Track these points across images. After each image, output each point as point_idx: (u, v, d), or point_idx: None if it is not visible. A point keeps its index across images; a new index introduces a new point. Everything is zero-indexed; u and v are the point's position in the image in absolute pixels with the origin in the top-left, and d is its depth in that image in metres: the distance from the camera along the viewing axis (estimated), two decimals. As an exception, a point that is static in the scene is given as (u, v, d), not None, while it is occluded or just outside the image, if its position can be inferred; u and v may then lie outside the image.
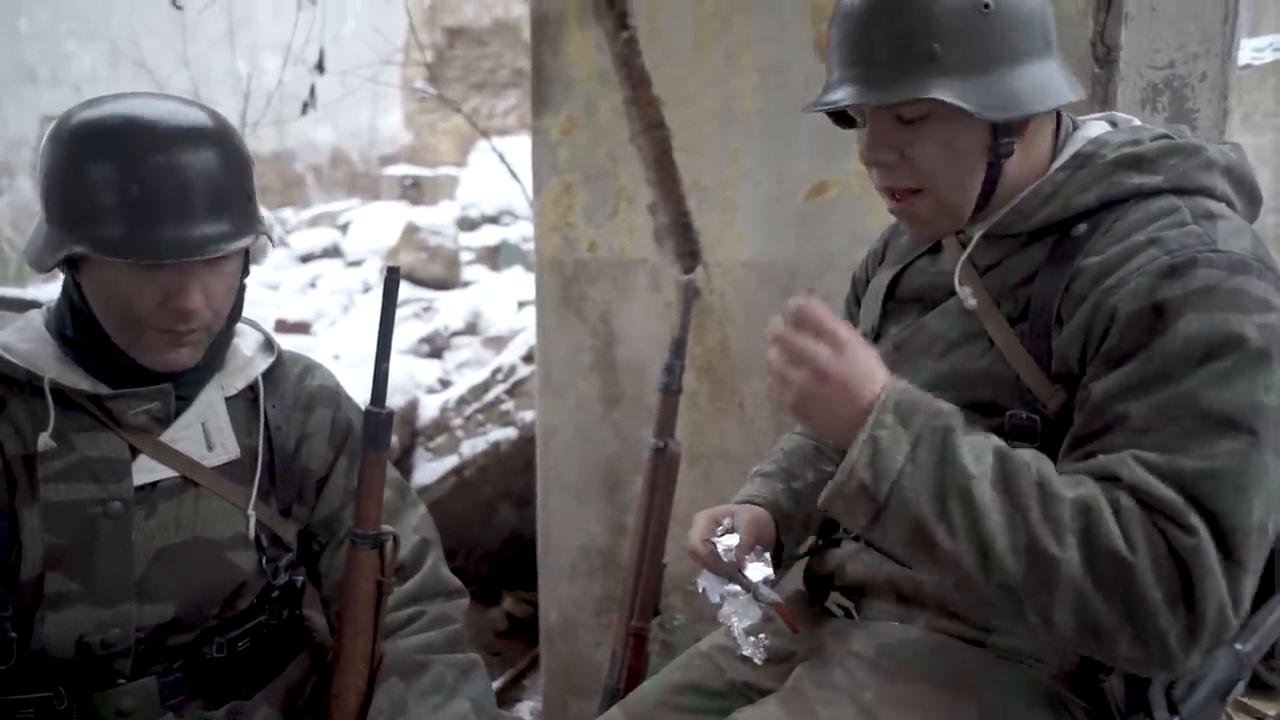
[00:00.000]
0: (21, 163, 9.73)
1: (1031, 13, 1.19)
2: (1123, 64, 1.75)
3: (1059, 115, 1.26)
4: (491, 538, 3.44)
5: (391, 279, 1.28)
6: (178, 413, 1.35)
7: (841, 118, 1.34)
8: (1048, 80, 1.20)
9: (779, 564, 1.44)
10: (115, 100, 1.25)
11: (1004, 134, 1.19)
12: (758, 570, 1.33)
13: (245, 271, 1.37)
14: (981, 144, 1.19)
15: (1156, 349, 1.06)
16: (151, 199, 1.19)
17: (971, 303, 1.24)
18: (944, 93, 1.15)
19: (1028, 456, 1.08)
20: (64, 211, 1.22)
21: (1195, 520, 1.00)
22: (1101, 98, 1.75)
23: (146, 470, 1.32)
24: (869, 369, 1.10)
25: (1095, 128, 1.26)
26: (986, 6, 1.16)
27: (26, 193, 9.54)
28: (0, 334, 1.33)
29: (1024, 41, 1.18)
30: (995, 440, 1.10)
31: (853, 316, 1.57)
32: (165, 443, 1.34)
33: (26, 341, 1.31)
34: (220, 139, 1.26)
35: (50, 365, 1.29)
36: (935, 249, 1.39)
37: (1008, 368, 1.20)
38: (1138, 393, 1.06)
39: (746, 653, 1.34)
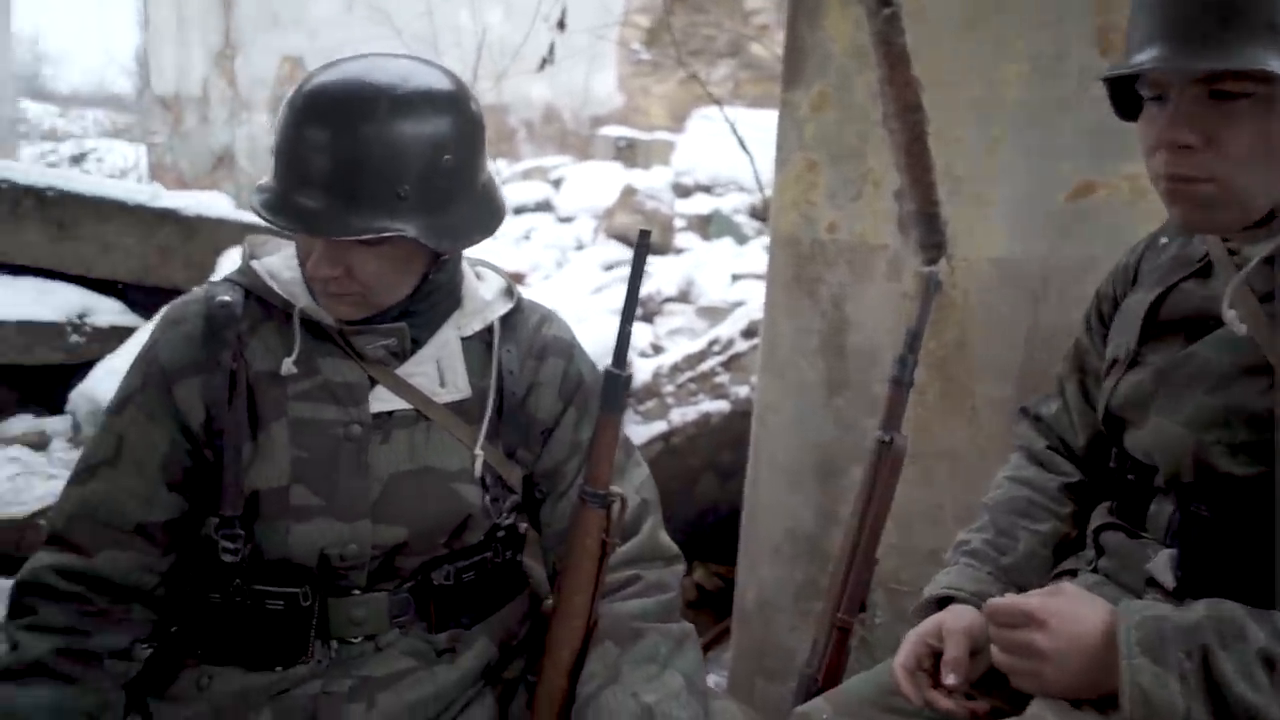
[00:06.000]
0: (259, 99, 10.34)
1: None
2: None
3: None
4: (690, 507, 3.44)
5: (643, 243, 1.30)
6: (414, 349, 1.41)
7: (1124, 105, 1.19)
8: None
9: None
10: (325, 69, 1.29)
11: None
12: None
13: (434, 258, 1.36)
14: None
15: None
16: (289, 166, 1.26)
17: (1241, 328, 1.10)
18: None
19: None
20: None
21: None
22: None
23: (383, 400, 1.39)
24: (1077, 620, 1.09)
25: None
26: None
27: (262, 126, 10.16)
28: (271, 259, 1.42)
29: None
30: (1251, 632, 1.01)
31: (1091, 332, 1.47)
32: (401, 376, 1.39)
33: (289, 269, 1.40)
34: (388, 123, 1.23)
35: (303, 295, 1.37)
36: (1204, 271, 1.24)
37: None
38: None
39: None
